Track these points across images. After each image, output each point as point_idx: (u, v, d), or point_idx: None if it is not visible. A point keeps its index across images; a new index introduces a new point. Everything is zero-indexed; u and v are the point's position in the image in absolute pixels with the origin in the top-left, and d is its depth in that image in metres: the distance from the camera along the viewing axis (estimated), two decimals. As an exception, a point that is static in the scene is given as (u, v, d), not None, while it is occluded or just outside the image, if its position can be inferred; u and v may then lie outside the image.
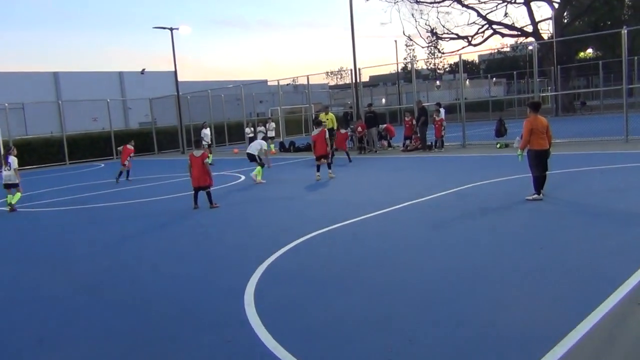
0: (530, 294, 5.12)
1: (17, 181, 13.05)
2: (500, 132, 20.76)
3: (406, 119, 22.23)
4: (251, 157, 15.43)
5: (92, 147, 31.18)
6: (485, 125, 28.91)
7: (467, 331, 4.34)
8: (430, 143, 21.08)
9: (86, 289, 6.44)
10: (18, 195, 13.25)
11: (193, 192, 11.49)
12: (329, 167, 15.03)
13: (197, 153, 11.36)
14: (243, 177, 16.57)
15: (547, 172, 9.58)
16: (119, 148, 18.99)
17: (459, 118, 22.69)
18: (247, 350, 4.32)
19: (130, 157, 18.02)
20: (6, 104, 29.24)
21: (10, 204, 13.04)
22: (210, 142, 24.14)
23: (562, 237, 7.12)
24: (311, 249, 7.47)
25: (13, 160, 13.20)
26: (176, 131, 33.54)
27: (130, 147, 18.27)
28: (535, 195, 9.44)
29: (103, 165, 27.48)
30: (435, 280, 5.71)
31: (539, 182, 9.47)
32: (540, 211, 8.75)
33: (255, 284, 5.93)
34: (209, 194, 11.39)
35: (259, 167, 15.14)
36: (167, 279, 6.55)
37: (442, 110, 20.97)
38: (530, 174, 9.60)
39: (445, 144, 20.92)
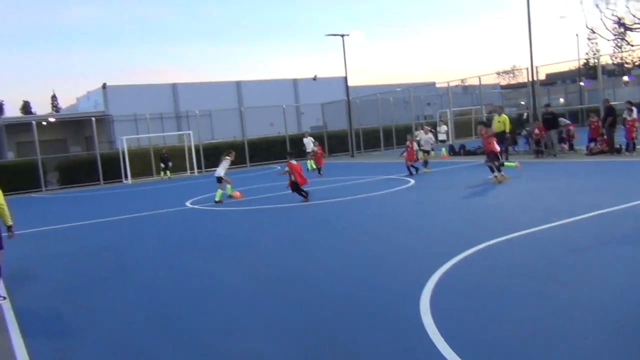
0: None
1: (221, 174, 15.57)
2: None
3: (592, 119, 20.41)
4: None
5: (268, 150, 33.29)
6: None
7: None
8: (619, 146, 19.11)
9: (268, 283, 6.85)
10: (229, 187, 15.84)
11: (294, 190, 14.08)
12: (499, 170, 14.41)
13: (295, 162, 14.24)
14: (412, 182, 16.47)
15: None
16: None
17: (655, 118, 20.22)
18: (426, 360, 4.26)
19: None
20: (197, 112, 32.49)
21: (230, 195, 15.78)
22: (310, 151, 24.66)
23: None
24: (489, 259, 7.16)
25: (226, 160, 15.88)
26: (346, 134, 34.50)
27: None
28: None
29: (279, 167, 29.13)
30: (630, 302, 5.12)
31: None
32: None
33: (431, 292, 5.83)
34: (304, 192, 14.03)
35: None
36: (342, 279, 6.71)
37: (634, 110, 18.89)
38: None
39: (637, 147, 18.81)
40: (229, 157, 15.94)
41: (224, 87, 49.04)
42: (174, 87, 47.28)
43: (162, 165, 28.71)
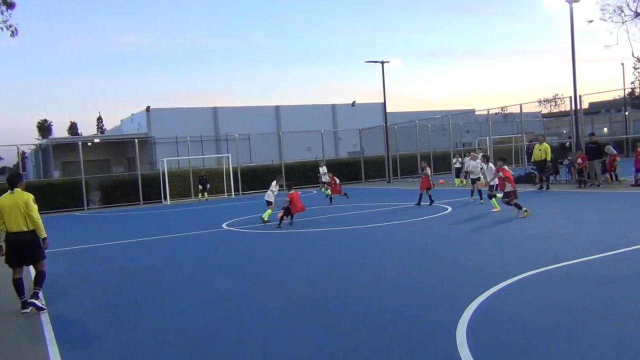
0: None
1: (271, 200, 16.22)
2: None
3: (638, 149, 19.85)
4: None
5: (305, 174, 33.41)
6: None
7: None
8: (667, 178, 18.48)
9: (305, 309, 6.81)
10: (268, 211, 16.09)
11: (284, 215, 15.09)
12: (515, 205, 13.75)
13: (291, 192, 15.48)
14: (450, 209, 16.25)
15: None
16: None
17: None
18: (461, 393, 4.13)
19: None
20: (236, 135, 32.96)
21: (262, 218, 15.99)
22: (324, 181, 23.98)
23: None
24: (528, 290, 6.95)
25: (276, 185, 16.49)
26: (383, 161, 34.40)
27: None
28: None
29: (315, 192, 29.22)
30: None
31: None
32: None
33: (467, 323, 5.68)
34: (292, 217, 15.32)
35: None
36: (377, 306, 6.61)
37: (683, 140, 18.29)
38: None
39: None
40: (277, 182, 16.58)
41: (264, 111, 49.72)
42: (214, 110, 48.17)
43: (200, 187, 29.09)
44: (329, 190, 22.23)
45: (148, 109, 45.32)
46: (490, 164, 15.42)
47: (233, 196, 29.94)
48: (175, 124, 43.39)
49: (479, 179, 18.85)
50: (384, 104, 33.94)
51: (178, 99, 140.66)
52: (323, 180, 24.38)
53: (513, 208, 13.72)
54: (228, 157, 31.13)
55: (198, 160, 35.12)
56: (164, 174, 28.78)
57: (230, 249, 12.24)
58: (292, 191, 15.62)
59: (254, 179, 31.73)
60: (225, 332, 6.12)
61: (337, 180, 21.10)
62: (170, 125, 43.32)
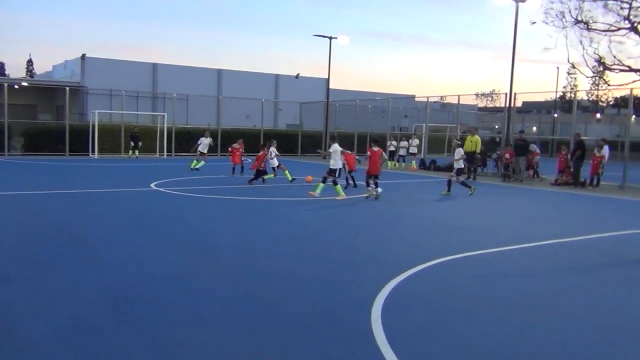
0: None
1: (277, 164, 18.27)
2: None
3: (562, 152, 20.93)
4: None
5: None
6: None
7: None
8: (584, 180, 19.61)
9: (223, 273, 6.81)
10: (287, 172, 18.01)
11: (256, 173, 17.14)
12: (376, 185, 14.56)
13: (260, 153, 17.68)
14: (380, 190, 16.56)
15: None
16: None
17: (620, 157, 20.89)
18: (370, 366, 4.29)
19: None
20: (174, 95, 32.09)
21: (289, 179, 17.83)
22: (204, 152, 22.21)
23: None
24: (444, 274, 7.25)
25: (273, 150, 18.20)
26: (320, 136, 34.54)
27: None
28: None
29: (250, 160, 28.99)
30: (586, 333, 5.26)
31: None
32: None
33: (383, 301, 5.88)
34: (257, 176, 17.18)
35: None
36: (299, 279, 6.72)
37: (605, 147, 19.45)
38: None
39: (601, 182, 19.34)
40: (273, 147, 18.19)
41: (205, 72, 48.55)
42: (154, 66, 46.61)
43: (132, 143, 28.25)
44: (199, 163, 21.43)
45: (83, 56, 43.26)
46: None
47: (165, 156, 29.28)
48: (111, 76, 41.69)
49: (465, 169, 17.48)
50: (328, 80, 33.96)
51: (116, 50, 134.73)
52: (200, 150, 22.08)
53: (370, 190, 14.47)
54: (164, 116, 30.31)
55: (132, 115, 34.00)
56: (94, 126, 27.73)
57: (156, 210, 12.00)
58: (261, 152, 17.69)
59: (188, 140, 31.03)
60: (144, 293, 6.04)
61: (242, 149, 20.24)
62: (105, 77, 41.58)
